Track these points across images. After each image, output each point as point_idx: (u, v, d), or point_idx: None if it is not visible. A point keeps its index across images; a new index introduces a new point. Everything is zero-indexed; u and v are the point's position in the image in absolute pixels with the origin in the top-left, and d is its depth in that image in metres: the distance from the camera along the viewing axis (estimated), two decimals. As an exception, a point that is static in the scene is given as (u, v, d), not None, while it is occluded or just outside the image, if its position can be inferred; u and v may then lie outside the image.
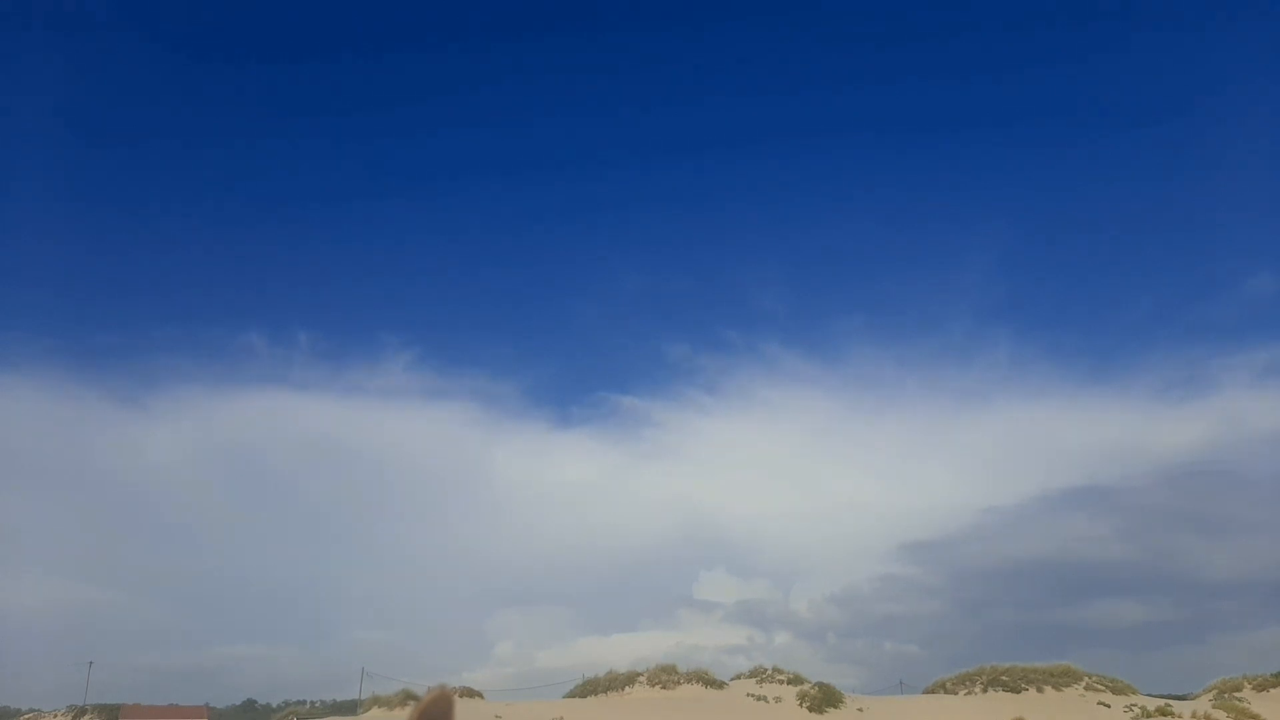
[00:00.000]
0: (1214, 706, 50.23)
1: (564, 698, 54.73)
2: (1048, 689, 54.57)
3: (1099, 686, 55.25)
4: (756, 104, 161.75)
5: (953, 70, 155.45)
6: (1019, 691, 54.35)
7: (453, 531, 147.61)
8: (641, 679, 54.10)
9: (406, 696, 50.69)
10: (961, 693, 55.61)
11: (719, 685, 53.89)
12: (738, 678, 55.44)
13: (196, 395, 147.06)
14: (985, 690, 55.13)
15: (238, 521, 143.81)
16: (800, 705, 50.45)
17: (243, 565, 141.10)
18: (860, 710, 50.54)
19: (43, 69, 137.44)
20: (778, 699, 51.41)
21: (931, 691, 57.88)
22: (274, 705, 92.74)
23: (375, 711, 50.08)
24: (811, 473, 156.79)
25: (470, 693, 51.66)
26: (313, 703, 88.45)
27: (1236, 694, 54.23)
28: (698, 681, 53.80)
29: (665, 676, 53.90)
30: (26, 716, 75.79)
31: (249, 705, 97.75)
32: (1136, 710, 50.37)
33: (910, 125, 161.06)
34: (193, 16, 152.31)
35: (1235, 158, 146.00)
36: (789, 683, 53.47)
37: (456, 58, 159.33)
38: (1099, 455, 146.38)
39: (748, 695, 52.03)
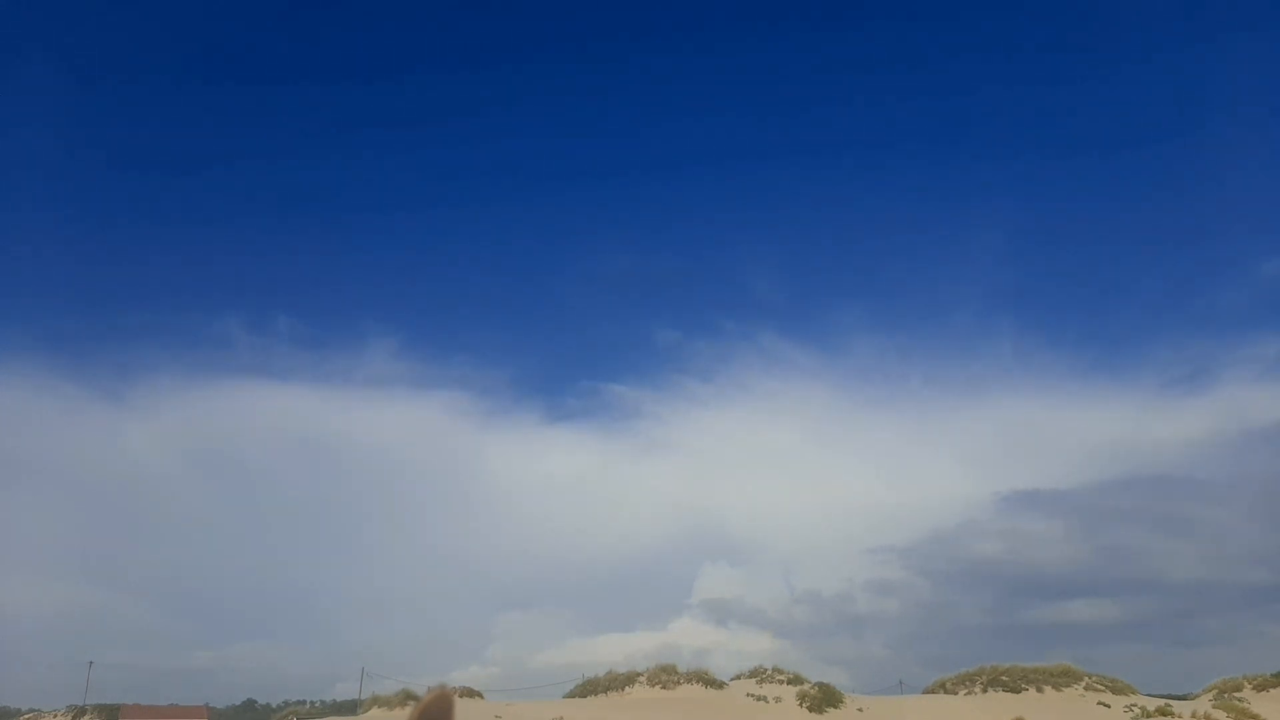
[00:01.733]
0: (1214, 706, 50.21)
1: (564, 698, 54.73)
2: (1048, 689, 54.57)
3: (1099, 686, 55.26)
4: (751, 79, 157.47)
5: (957, 55, 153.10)
6: (1019, 691, 54.35)
7: (444, 528, 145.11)
8: (641, 679, 54.10)
9: (406, 696, 50.68)
10: (961, 693, 55.61)
11: (719, 685, 53.89)
12: (738, 678, 55.43)
13: (175, 387, 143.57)
14: (985, 690, 55.13)
15: (226, 519, 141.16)
16: (800, 705, 50.44)
17: (233, 564, 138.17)
18: (860, 710, 50.54)
19: (27, 52, 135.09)
20: (778, 699, 51.41)
21: (931, 691, 57.87)
22: (274, 705, 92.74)
23: (375, 711, 50.07)
24: (809, 467, 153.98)
25: (470, 693, 51.69)
26: (313, 703, 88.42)
27: (1236, 694, 54.23)
28: (697, 681, 53.79)
29: (665, 676, 53.89)
30: (26, 716, 75.75)
31: (249, 705, 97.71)
32: (1136, 710, 50.37)
33: (914, 110, 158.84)
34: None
35: (1246, 141, 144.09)
36: (789, 683, 53.47)
37: (431, 45, 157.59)
38: (1102, 450, 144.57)
39: (747, 695, 52.03)
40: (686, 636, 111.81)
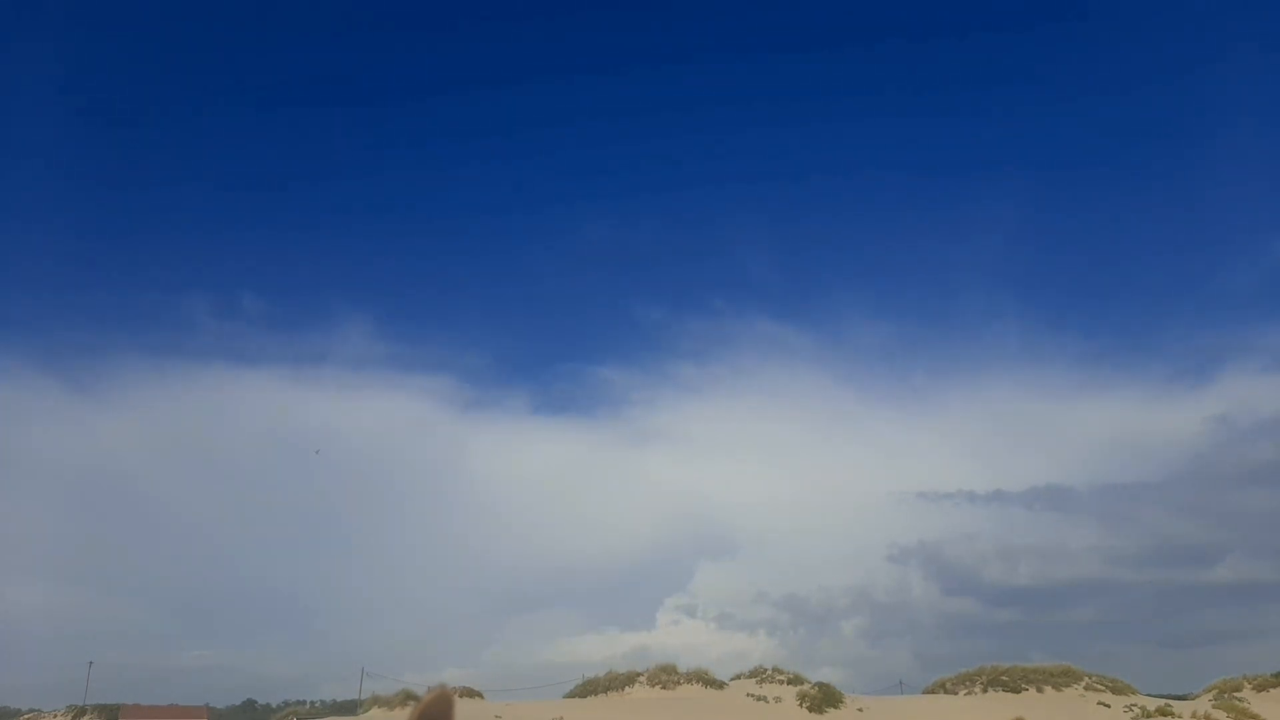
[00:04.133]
0: (1214, 706, 50.24)
1: (564, 698, 54.72)
2: (1048, 689, 54.57)
3: (1099, 686, 55.26)
4: (746, 39, 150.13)
5: (966, 40, 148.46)
6: (1019, 691, 54.35)
7: (430, 524, 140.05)
8: (641, 679, 54.08)
9: (406, 696, 50.64)
10: (961, 693, 55.61)
11: (719, 685, 53.87)
12: (737, 678, 55.40)
13: (140, 374, 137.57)
14: (985, 690, 55.13)
15: (206, 517, 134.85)
16: (800, 705, 50.42)
17: (214, 561, 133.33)
18: (860, 710, 50.51)
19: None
20: (778, 699, 51.38)
21: (931, 691, 57.88)
22: (274, 705, 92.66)
23: (375, 711, 50.01)
24: (809, 461, 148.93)
25: (470, 693, 51.66)
26: (313, 703, 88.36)
27: (1236, 694, 54.24)
28: (697, 681, 53.77)
29: (665, 676, 53.88)
30: (26, 716, 75.74)
31: (249, 705, 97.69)
32: (1136, 710, 50.38)
33: (919, 86, 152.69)
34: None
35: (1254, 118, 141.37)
36: (789, 683, 53.44)
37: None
38: (1109, 446, 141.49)
39: (747, 695, 51.99)
40: (681, 636, 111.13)
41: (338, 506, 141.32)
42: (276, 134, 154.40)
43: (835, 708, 50.38)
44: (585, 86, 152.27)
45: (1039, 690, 54.45)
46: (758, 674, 55.18)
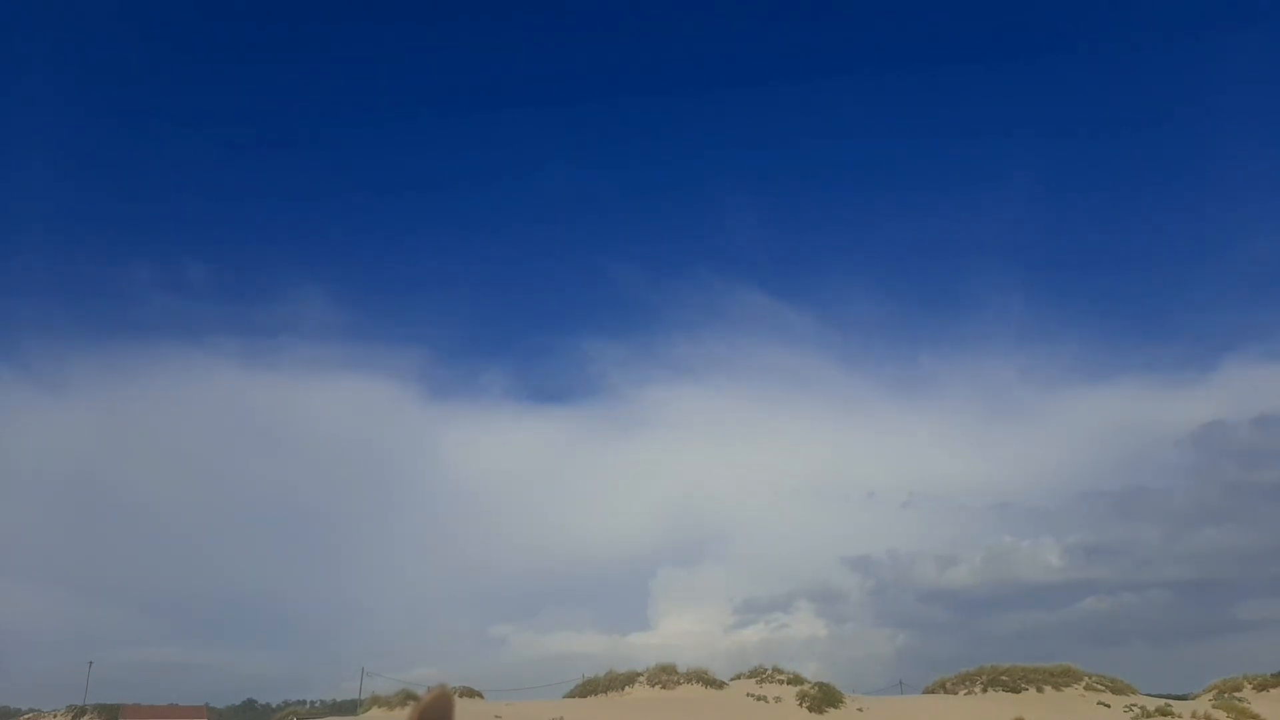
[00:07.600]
0: (1214, 706, 50.22)
1: (564, 697, 54.70)
2: (1048, 689, 54.54)
3: (1099, 686, 55.24)
4: None
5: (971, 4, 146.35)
6: (1019, 691, 54.31)
7: (404, 516, 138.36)
8: (641, 679, 54.05)
9: (406, 696, 50.63)
10: (961, 692, 55.59)
11: (719, 685, 53.83)
12: (737, 678, 55.38)
13: (89, 356, 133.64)
14: (985, 690, 55.10)
15: (177, 514, 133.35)
16: (800, 705, 50.39)
17: (193, 560, 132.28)
18: (860, 710, 50.49)
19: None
20: (777, 699, 51.36)
21: (931, 691, 57.85)
22: (274, 705, 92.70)
23: (375, 711, 49.98)
24: (807, 453, 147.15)
25: (470, 692, 51.68)
26: (313, 703, 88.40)
27: (1236, 694, 54.24)
28: (697, 681, 53.74)
29: (665, 676, 53.84)
30: (26, 716, 75.78)
31: (249, 705, 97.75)
32: (1136, 710, 50.35)
33: (923, 56, 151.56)
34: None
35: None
36: (789, 683, 53.42)
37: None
38: (1110, 440, 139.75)
39: (747, 695, 51.97)
40: (673, 635, 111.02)
41: (311, 499, 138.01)
42: (223, 93, 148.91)
43: (835, 707, 50.36)
44: (549, 49, 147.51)
45: (1039, 690, 54.42)
46: (757, 674, 55.16)
